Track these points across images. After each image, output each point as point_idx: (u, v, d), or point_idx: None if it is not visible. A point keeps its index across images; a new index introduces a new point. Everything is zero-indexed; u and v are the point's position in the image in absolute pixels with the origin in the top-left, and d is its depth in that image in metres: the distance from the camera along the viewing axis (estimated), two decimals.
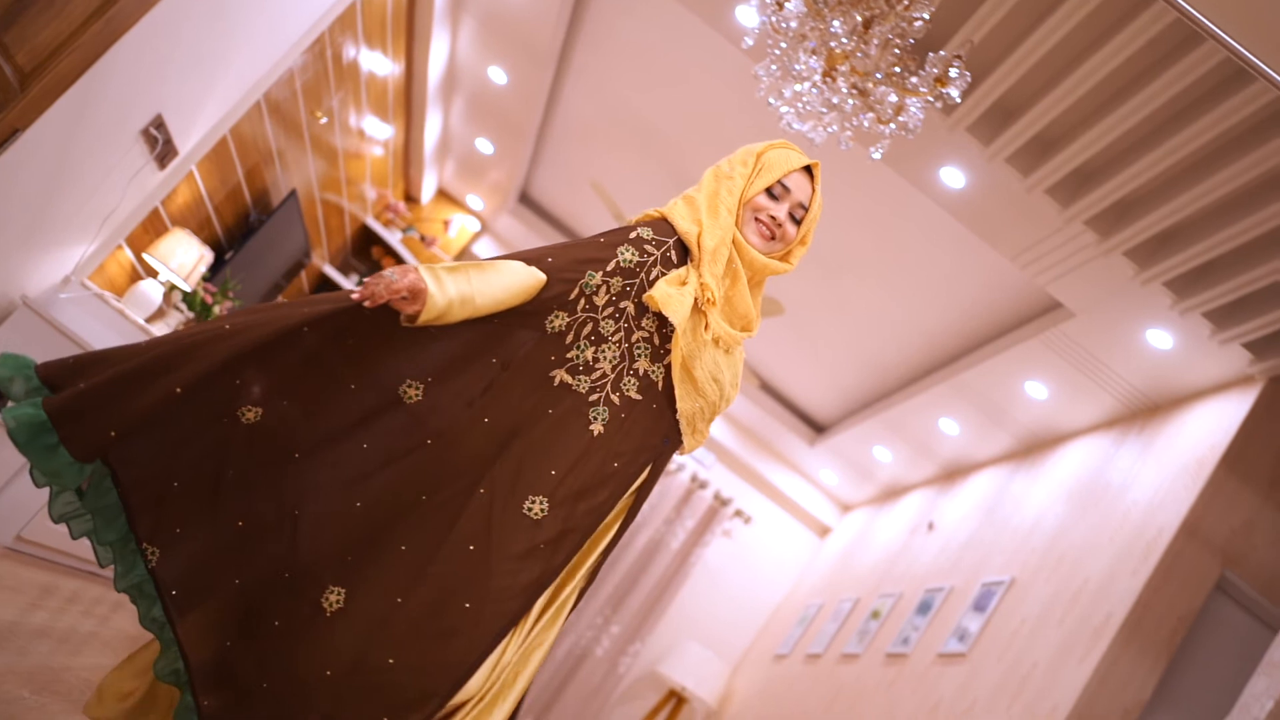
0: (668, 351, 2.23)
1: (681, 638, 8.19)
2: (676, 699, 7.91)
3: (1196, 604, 4.38)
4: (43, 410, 1.99)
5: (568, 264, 2.21)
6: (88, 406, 1.99)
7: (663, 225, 2.31)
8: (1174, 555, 4.42)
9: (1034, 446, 6.35)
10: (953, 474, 7.30)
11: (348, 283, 7.84)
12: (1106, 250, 4.52)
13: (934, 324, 6.07)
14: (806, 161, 2.42)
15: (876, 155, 3.82)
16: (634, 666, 8.15)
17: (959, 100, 3.75)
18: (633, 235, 2.26)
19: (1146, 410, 5.39)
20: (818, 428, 8.07)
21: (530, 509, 2.11)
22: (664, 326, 2.23)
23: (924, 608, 6.15)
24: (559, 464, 2.15)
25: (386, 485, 2.12)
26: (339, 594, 2.06)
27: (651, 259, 2.24)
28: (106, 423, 1.98)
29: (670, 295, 2.18)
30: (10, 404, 2.01)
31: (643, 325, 2.23)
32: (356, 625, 2.03)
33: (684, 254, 2.28)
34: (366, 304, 2.01)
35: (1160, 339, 4.88)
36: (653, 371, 2.23)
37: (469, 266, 2.13)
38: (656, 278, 2.23)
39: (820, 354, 7.17)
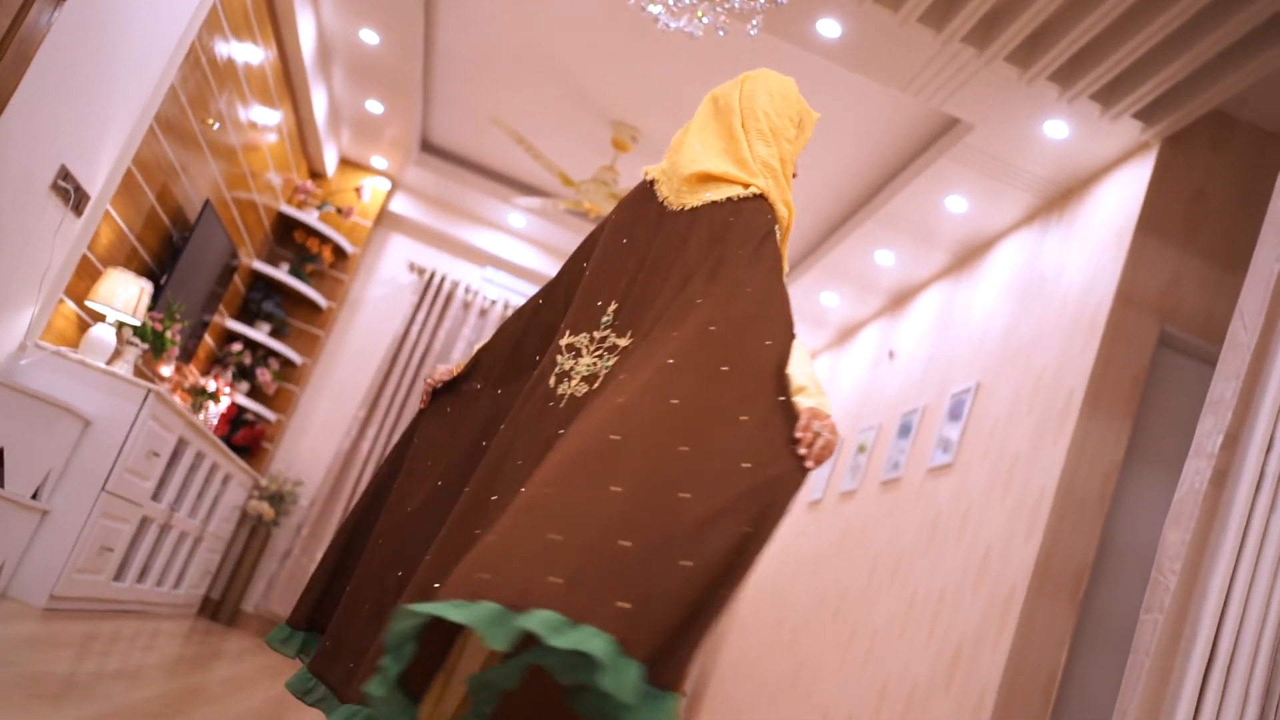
0: None
1: None
2: None
3: (1145, 363, 4.70)
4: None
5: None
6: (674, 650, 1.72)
7: (766, 209, 2.36)
8: (1115, 324, 4.72)
9: (967, 256, 6.63)
10: (899, 301, 7.59)
11: (279, 273, 7.91)
12: (987, 60, 4.73)
13: (847, 168, 6.28)
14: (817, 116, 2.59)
15: (754, 30, 3.98)
16: None
17: None
18: (775, 235, 2.31)
19: (1060, 197, 5.66)
20: None
21: None
22: None
23: (904, 430, 6.47)
24: None
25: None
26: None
27: None
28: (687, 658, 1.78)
29: None
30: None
31: None
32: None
33: None
34: (810, 465, 1.95)
35: (1057, 129, 5.12)
36: None
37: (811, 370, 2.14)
38: None
39: None
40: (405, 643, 1.72)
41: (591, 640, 1.57)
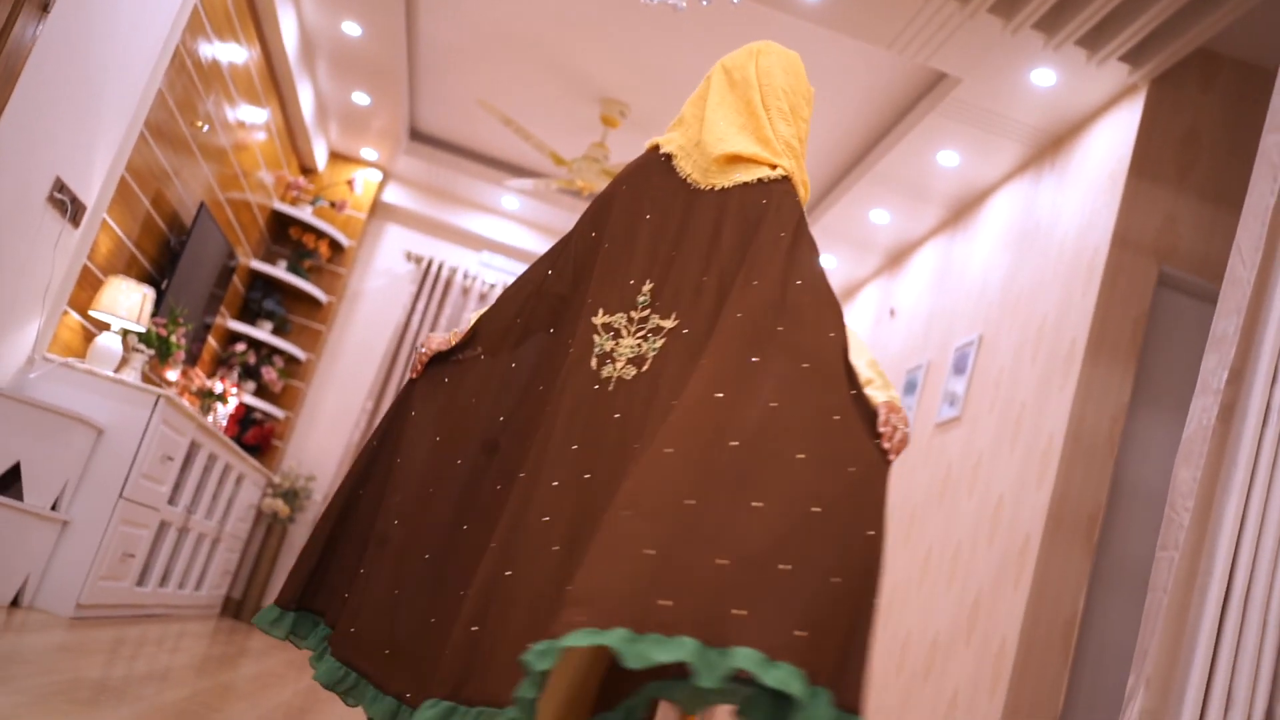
0: None
1: None
2: None
3: (1145, 305, 4.72)
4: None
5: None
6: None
7: (793, 191, 2.36)
8: (1114, 268, 4.73)
9: (962, 210, 6.64)
10: (897, 259, 7.60)
11: (277, 271, 7.92)
12: (970, 13, 4.73)
13: (836, 129, 6.28)
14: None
15: None
16: None
17: None
18: (806, 219, 2.33)
19: (1052, 145, 5.66)
20: None
21: None
22: None
23: (910, 387, 6.50)
24: None
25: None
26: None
27: None
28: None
29: None
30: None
31: None
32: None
33: None
34: (892, 458, 2.02)
35: (1044, 77, 5.12)
36: None
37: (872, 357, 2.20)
38: None
39: None
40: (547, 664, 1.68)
41: (791, 680, 1.60)
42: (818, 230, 7.43)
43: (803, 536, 1.79)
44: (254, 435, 7.87)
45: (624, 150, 6.95)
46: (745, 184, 2.35)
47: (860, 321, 8.00)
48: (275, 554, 7.82)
